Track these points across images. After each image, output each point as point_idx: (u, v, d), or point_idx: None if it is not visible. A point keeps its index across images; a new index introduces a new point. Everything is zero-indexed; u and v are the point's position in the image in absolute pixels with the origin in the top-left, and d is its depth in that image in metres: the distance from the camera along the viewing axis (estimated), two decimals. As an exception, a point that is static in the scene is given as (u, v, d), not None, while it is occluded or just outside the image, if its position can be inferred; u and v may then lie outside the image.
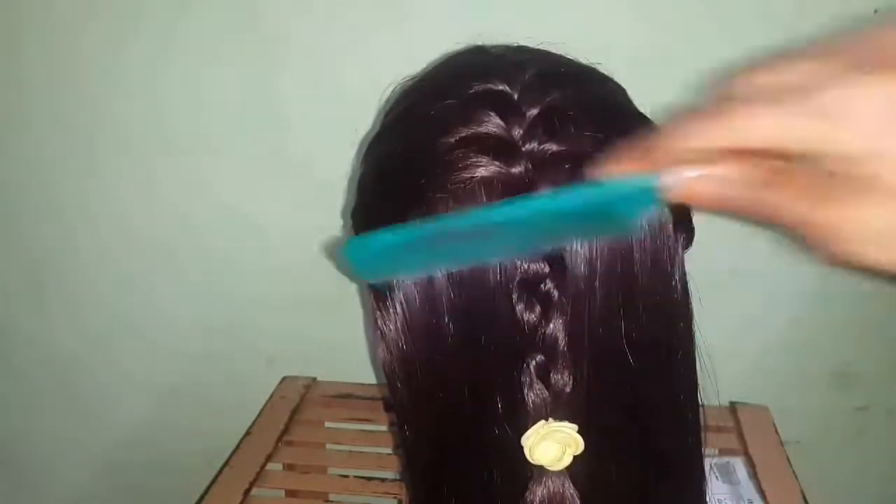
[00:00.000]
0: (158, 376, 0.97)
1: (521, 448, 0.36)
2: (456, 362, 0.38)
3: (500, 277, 0.36)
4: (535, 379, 0.36)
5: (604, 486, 0.39)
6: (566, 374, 0.36)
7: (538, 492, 0.37)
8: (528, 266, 0.35)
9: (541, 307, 0.36)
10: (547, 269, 0.36)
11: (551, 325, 0.36)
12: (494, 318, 0.37)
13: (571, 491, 0.37)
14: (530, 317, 0.36)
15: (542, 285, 0.36)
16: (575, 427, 0.35)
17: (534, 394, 0.36)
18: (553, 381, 0.36)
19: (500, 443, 0.38)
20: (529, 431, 0.35)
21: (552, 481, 0.37)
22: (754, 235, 0.82)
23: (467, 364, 0.38)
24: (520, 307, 0.36)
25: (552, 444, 0.35)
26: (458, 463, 0.40)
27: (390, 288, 0.39)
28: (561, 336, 0.36)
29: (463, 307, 0.37)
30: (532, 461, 0.36)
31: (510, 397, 0.37)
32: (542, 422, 0.35)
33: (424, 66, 0.48)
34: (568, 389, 0.36)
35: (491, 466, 0.39)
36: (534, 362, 0.36)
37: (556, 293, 0.36)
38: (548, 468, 0.36)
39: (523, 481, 0.38)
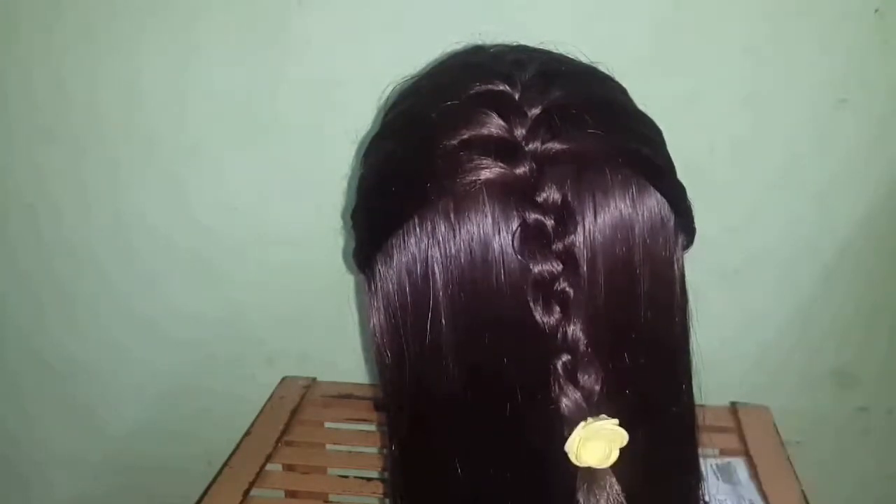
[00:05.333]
0: (158, 377, 0.97)
1: (558, 452, 0.35)
2: (463, 365, 0.38)
3: (511, 278, 0.36)
4: (564, 380, 0.35)
5: (628, 480, 0.38)
6: (592, 371, 0.35)
7: (587, 493, 0.36)
8: (542, 266, 0.35)
9: (559, 308, 0.35)
10: (560, 268, 0.35)
11: (572, 325, 0.35)
12: (505, 321, 0.36)
13: (616, 487, 0.36)
14: (550, 319, 0.35)
15: (556, 285, 0.35)
16: (616, 421, 0.34)
17: (566, 396, 0.35)
18: (581, 380, 0.35)
19: (532, 451, 0.37)
20: (573, 435, 0.34)
21: (597, 479, 0.35)
22: (755, 236, 0.82)
23: (487, 373, 0.38)
24: (537, 309, 0.35)
25: (598, 443, 0.34)
26: (464, 472, 0.39)
27: (389, 287, 0.39)
28: (583, 334, 0.35)
29: (468, 308, 0.37)
30: (579, 464, 0.34)
31: (540, 403, 0.36)
32: (583, 422, 0.34)
33: (424, 66, 0.48)
34: (597, 387, 0.35)
35: (524, 476, 0.39)
36: (560, 363, 0.35)
37: (571, 291, 0.35)
38: (596, 468, 0.35)
39: (568, 485, 0.36)
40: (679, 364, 0.42)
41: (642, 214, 0.37)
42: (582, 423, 0.34)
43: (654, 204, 0.38)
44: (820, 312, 0.86)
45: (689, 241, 0.42)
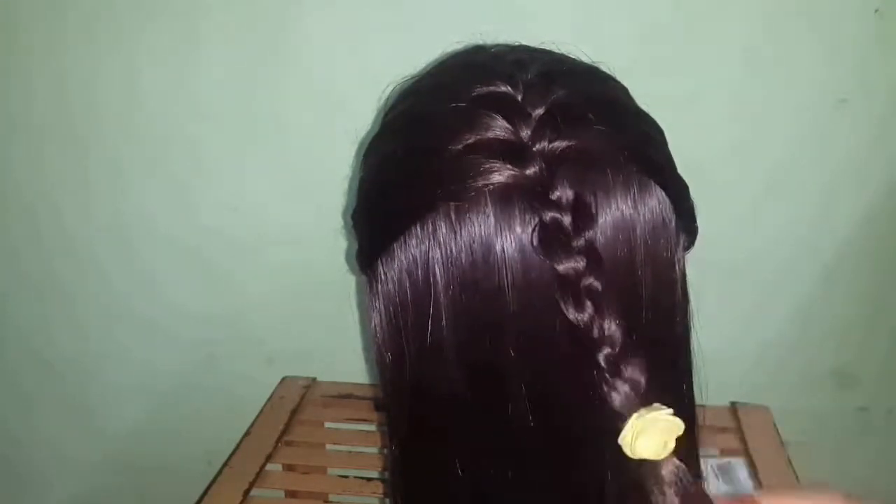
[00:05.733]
0: (158, 377, 0.97)
1: (601, 447, 0.34)
2: (464, 365, 0.38)
3: (518, 280, 0.36)
4: (610, 374, 0.34)
5: None
6: (637, 361, 0.34)
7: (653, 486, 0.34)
8: (567, 263, 0.35)
9: (591, 302, 0.34)
10: (584, 263, 0.35)
11: (607, 319, 0.34)
12: (516, 324, 0.36)
13: (685, 475, 0.34)
14: (583, 315, 0.34)
15: (583, 280, 0.35)
16: (670, 411, 0.33)
17: (614, 389, 0.34)
18: (627, 372, 0.34)
19: (518, 448, 0.37)
20: (627, 427, 0.33)
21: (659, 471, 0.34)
22: (755, 236, 0.82)
23: (490, 373, 0.37)
24: (570, 308, 0.35)
25: (654, 434, 0.32)
26: (464, 472, 0.39)
27: (390, 288, 0.39)
28: (618, 327, 0.34)
29: (469, 309, 0.37)
30: (634, 456, 0.33)
31: (589, 401, 0.35)
32: (636, 414, 0.33)
33: (424, 66, 0.48)
34: (644, 377, 0.34)
35: (506, 471, 0.38)
36: (602, 357, 0.34)
37: (599, 285, 0.34)
38: (653, 459, 0.33)
39: (607, 481, 0.36)
40: (680, 364, 0.42)
41: (644, 215, 0.37)
42: (635, 415, 0.33)
43: (655, 204, 0.38)
44: (820, 312, 0.86)
45: (691, 241, 0.42)
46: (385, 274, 0.39)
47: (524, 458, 0.39)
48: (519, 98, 0.37)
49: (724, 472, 0.74)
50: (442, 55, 0.48)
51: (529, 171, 0.35)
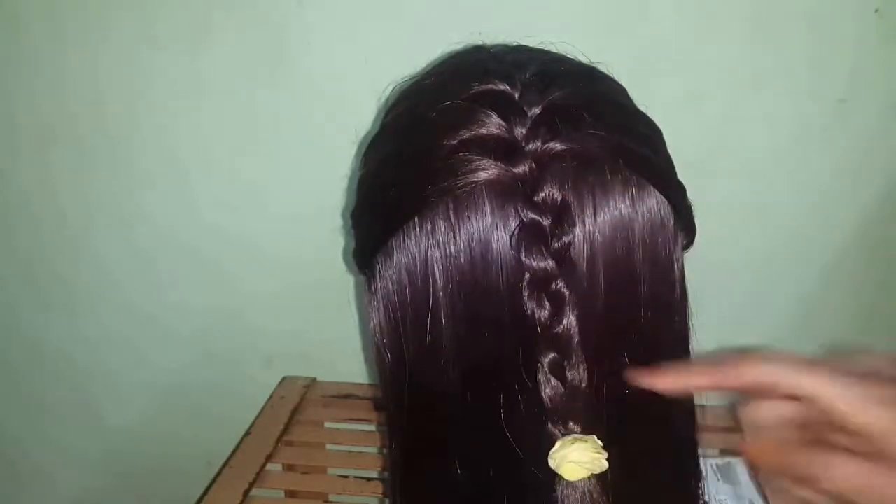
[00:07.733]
0: (158, 377, 0.97)
1: (538, 451, 0.36)
2: (462, 364, 0.38)
3: (509, 277, 0.36)
4: (550, 377, 0.36)
5: (623, 482, 0.38)
6: (581, 370, 0.36)
7: (562, 494, 0.37)
8: (538, 264, 0.35)
9: (552, 306, 0.35)
10: (555, 267, 0.35)
11: (564, 323, 0.35)
12: (503, 319, 0.37)
13: (598, 491, 0.37)
14: (542, 315, 0.35)
15: (552, 284, 0.35)
16: (600, 443, 0.35)
17: (550, 391, 0.35)
18: (569, 378, 0.36)
19: (513, 447, 0.38)
20: (554, 449, 0.35)
21: (575, 485, 0.37)
22: (755, 236, 0.82)
23: (486, 372, 0.38)
24: (531, 306, 0.35)
25: (579, 466, 0.35)
26: (463, 471, 0.40)
27: (389, 287, 0.39)
28: (574, 333, 0.36)
29: (467, 308, 0.37)
30: (558, 472, 0.35)
31: (524, 398, 0.36)
32: (567, 438, 0.35)
33: (424, 66, 0.48)
34: (584, 386, 0.36)
35: (504, 470, 0.39)
36: (548, 360, 0.36)
37: (566, 291, 0.35)
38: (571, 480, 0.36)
39: (544, 483, 0.37)
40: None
41: (642, 214, 0.37)
42: (571, 444, 0.35)
43: (653, 203, 0.38)
44: (820, 313, 0.86)
45: (690, 240, 0.42)
46: (384, 273, 0.39)
47: (515, 457, 0.39)
48: (516, 97, 0.38)
49: (724, 472, 0.74)
50: (442, 55, 0.48)
51: (518, 170, 0.36)
